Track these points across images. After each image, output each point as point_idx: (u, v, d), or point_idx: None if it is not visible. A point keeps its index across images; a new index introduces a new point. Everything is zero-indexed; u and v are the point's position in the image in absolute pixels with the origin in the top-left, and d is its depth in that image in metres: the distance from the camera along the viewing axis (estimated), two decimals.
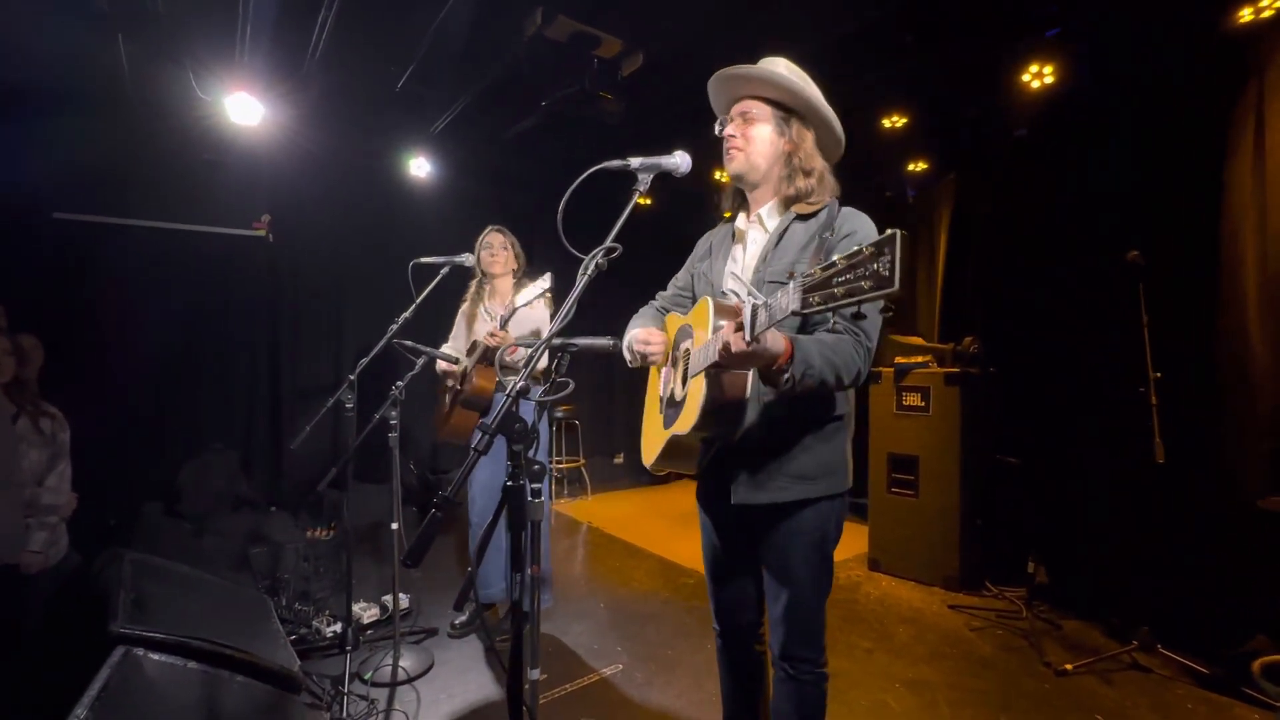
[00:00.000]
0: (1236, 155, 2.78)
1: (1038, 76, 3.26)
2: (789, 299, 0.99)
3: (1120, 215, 3.23)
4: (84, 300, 3.90)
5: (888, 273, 0.83)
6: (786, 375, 1.20)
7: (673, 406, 1.47)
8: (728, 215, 1.65)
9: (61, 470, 2.48)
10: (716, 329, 1.28)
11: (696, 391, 1.33)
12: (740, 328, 1.12)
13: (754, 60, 1.51)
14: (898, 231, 0.82)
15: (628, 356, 1.62)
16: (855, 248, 0.89)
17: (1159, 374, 2.64)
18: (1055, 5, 2.90)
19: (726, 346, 1.14)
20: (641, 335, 1.57)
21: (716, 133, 1.54)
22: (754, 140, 1.48)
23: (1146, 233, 2.97)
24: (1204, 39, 2.83)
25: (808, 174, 1.46)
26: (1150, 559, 2.86)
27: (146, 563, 2.18)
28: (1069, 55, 3.16)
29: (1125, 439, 2.89)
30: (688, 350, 1.44)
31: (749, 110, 1.49)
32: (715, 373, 1.30)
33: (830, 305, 0.91)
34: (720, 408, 1.32)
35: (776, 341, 1.16)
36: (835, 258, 0.91)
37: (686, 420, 1.35)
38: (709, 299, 1.37)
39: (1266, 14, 2.63)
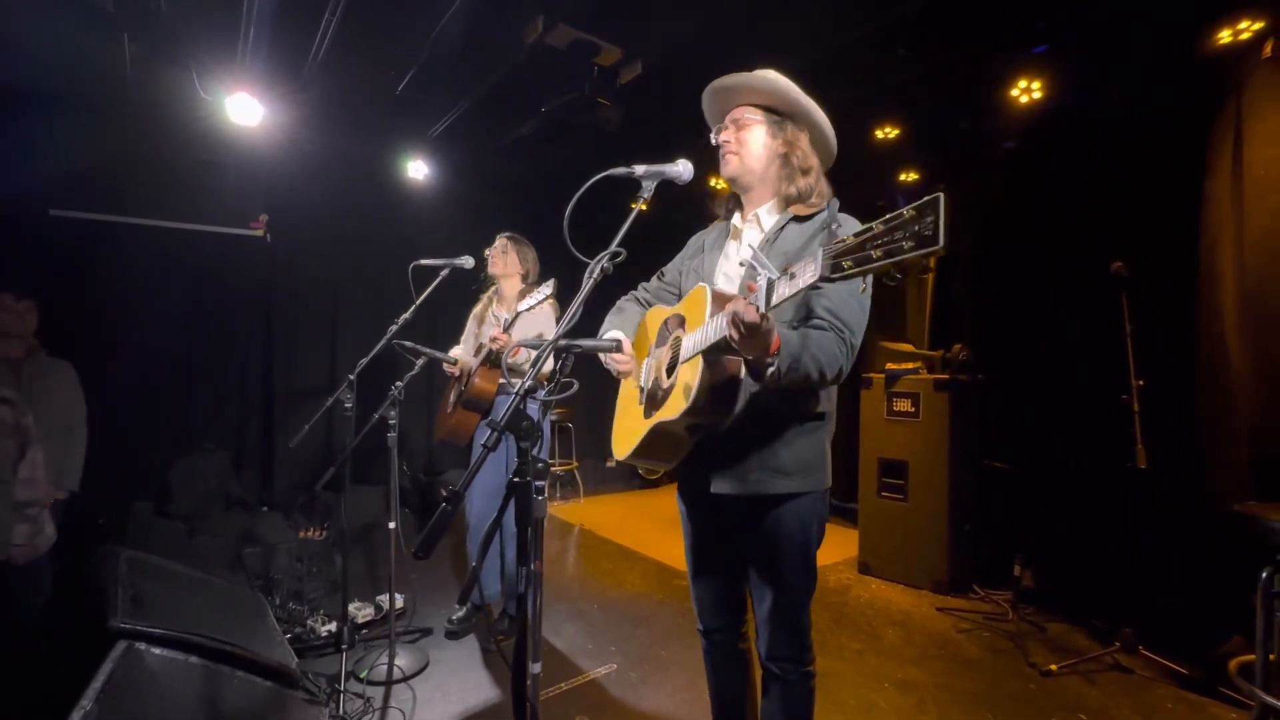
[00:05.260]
0: (1216, 171, 2.87)
1: (1026, 91, 3.35)
2: (816, 266, 0.98)
3: (1105, 227, 3.31)
4: (79, 297, 3.88)
5: (930, 232, 0.82)
6: (772, 368, 1.21)
7: (656, 397, 1.46)
8: (720, 218, 1.67)
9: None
10: (715, 314, 1.27)
11: (689, 376, 1.32)
12: (752, 303, 1.11)
13: (748, 70, 1.54)
14: (940, 194, 0.83)
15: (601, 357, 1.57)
16: (897, 211, 0.88)
17: (1141, 381, 2.72)
18: (1043, 23, 2.98)
19: (737, 316, 1.12)
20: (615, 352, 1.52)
21: (711, 141, 1.58)
22: (747, 143, 1.52)
23: (1130, 244, 3.05)
24: (1186, 59, 2.92)
25: (806, 172, 1.49)
26: (1133, 563, 2.93)
27: (142, 561, 2.17)
28: (1056, 72, 3.25)
29: (1109, 445, 2.97)
30: (678, 338, 1.44)
31: (741, 116, 1.53)
32: (711, 357, 1.29)
33: (866, 268, 0.91)
34: (713, 391, 1.30)
35: (772, 330, 1.17)
36: (873, 223, 0.91)
37: (675, 405, 1.33)
38: (706, 286, 1.37)
39: (1244, 36, 2.73)
